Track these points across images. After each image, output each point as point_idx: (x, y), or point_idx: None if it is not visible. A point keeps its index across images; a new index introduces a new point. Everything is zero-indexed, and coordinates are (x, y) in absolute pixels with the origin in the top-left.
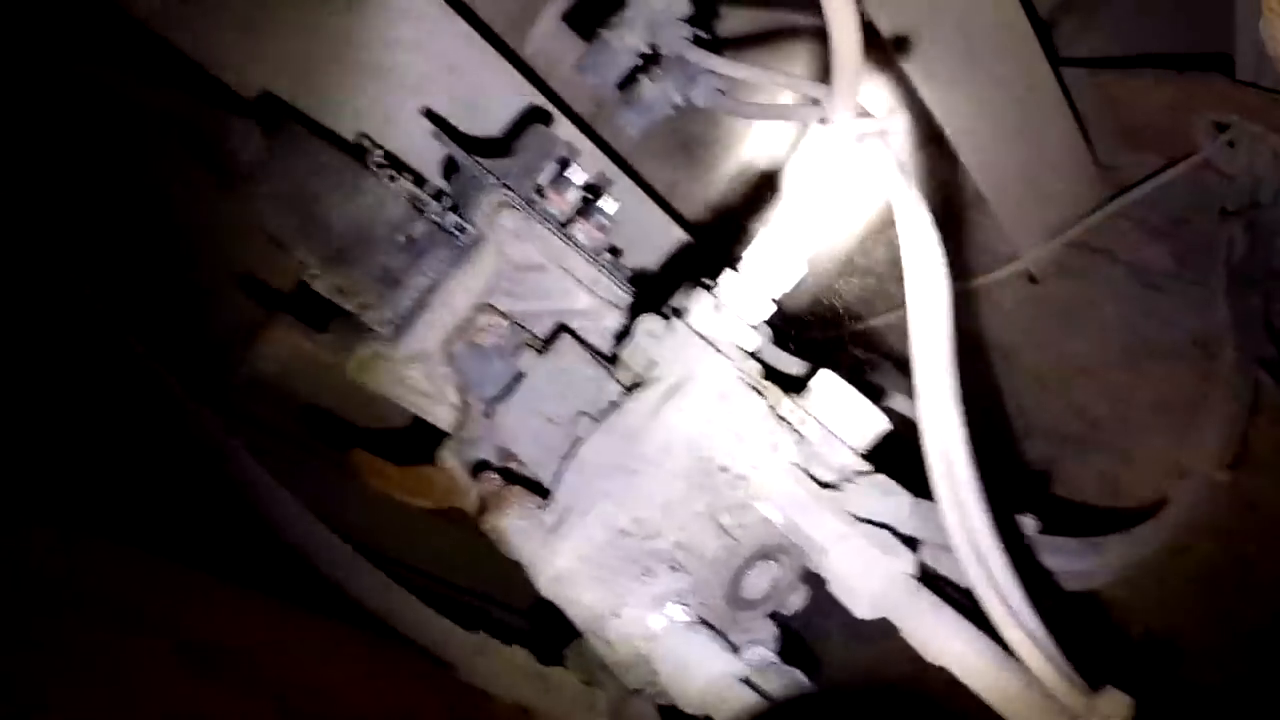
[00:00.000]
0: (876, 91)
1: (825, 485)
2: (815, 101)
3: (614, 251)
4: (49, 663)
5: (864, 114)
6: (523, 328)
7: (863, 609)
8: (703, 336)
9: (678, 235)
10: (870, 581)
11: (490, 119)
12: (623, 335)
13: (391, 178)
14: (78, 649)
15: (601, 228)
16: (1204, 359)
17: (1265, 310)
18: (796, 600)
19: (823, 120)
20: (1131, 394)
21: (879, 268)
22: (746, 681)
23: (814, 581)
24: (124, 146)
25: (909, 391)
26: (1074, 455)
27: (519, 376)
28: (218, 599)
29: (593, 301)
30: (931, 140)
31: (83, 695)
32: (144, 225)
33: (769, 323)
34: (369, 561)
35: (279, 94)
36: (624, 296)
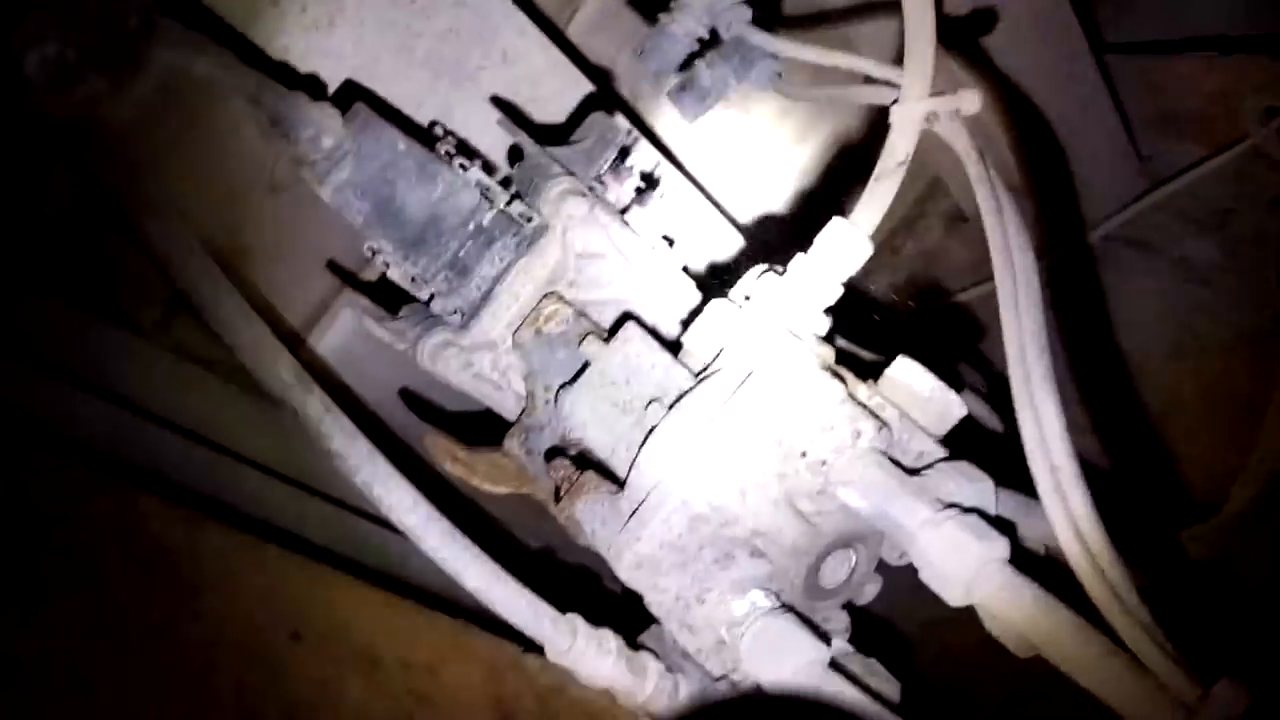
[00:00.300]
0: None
1: (909, 470)
2: (885, 83)
3: (669, 241)
4: None
5: (937, 93)
6: (587, 317)
7: (957, 596)
8: (774, 320)
9: (727, 228)
10: (964, 567)
11: (549, 107)
12: (687, 323)
13: (463, 166)
14: None
15: (658, 217)
16: (1255, 356)
17: None
18: (871, 590)
19: (895, 101)
20: (1179, 390)
21: (932, 251)
22: (836, 667)
23: (886, 571)
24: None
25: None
26: (1119, 455)
27: (585, 364)
28: (304, 573)
29: (654, 291)
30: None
31: None
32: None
33: (837, 309)
34: (469, 537)
35: (357, 82)
36: (683, 286)
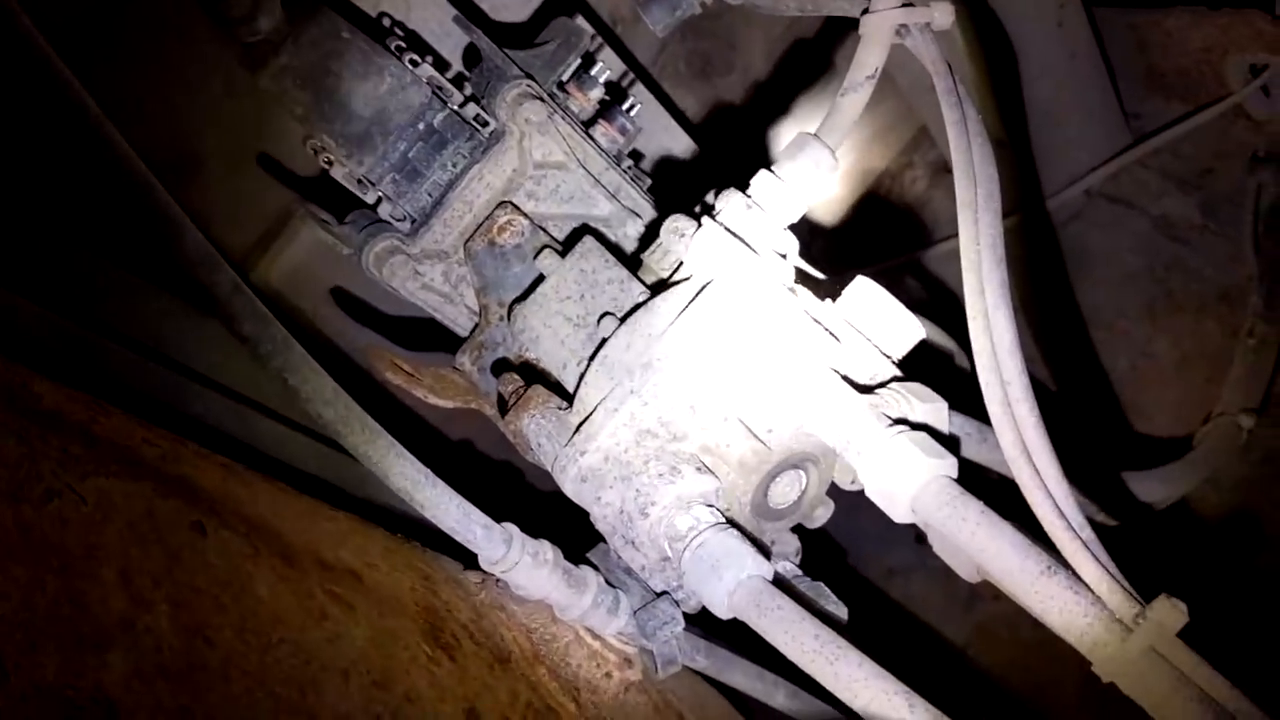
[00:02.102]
0: None
1: (862, 389)
2: None
3: (635, 157)
4: None
5: (907, 3)
6: (544, 230)
7: (901, 512)
8: (734, 234)
9: (694, 149)
10: (910, 484)
11: (513, 6)
12: (645, 241)
13: (414, 62)
14: None
15: (623, 131)
16: (1229, 314)
17: None
18: (823, 514)
19: (865, 11)
20: (1151, 347)
21: (918, 200)
22: (778, 584)
23: (839, 496)
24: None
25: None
26: (1089, 407)
27: (540, 278)
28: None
29: (613, 207)
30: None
31: None
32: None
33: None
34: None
35: None
36: (644, 204)
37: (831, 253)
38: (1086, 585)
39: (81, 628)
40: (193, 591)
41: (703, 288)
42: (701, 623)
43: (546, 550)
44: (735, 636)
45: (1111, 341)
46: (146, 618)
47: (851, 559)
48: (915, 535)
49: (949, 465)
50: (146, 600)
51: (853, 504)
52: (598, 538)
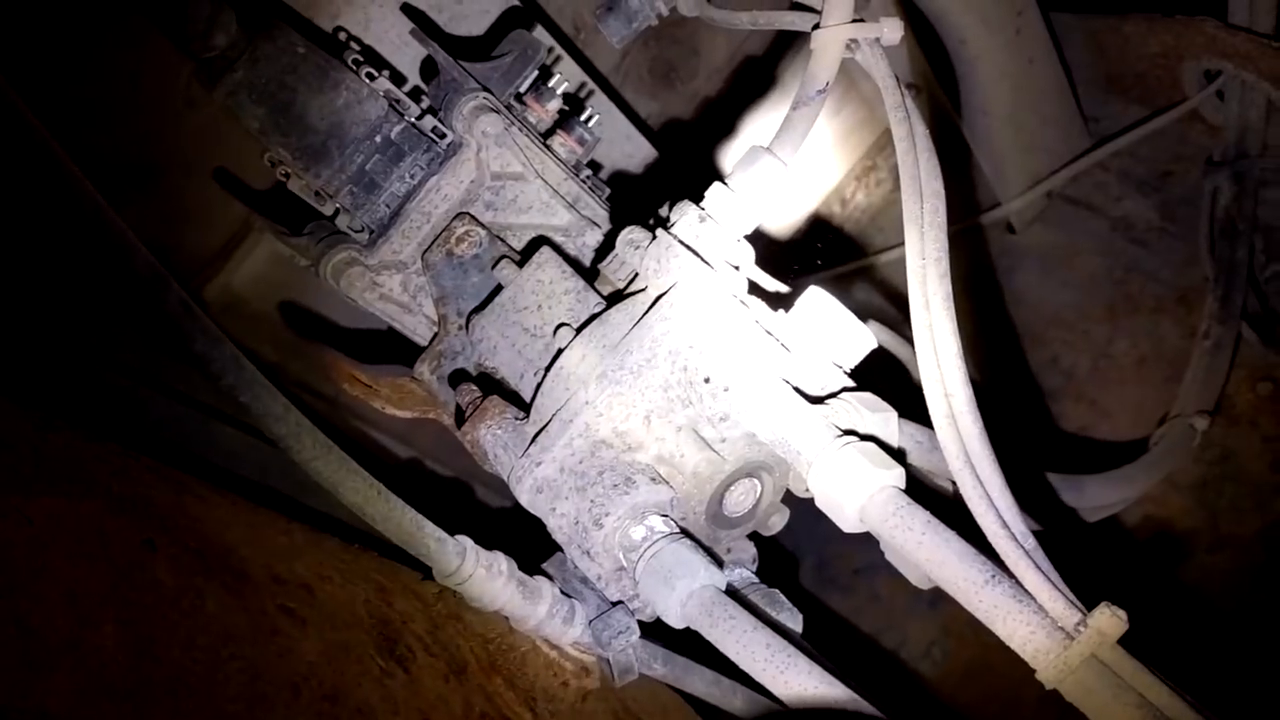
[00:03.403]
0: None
1: (812, 399)
2: (809, 9)
3: (593, 167)
4: None
5: (858, 20)
6: (502, 240)
7: (850, 523)
8: (688, 247)
9: (655, 156)
10: (858, 495)
11: (470, 20)
12: (603, 251)
13: (370, 75)
14: None
15: (581, 142)
16: (1186, 316)
17: (1249, 262)
18: (778, 521)
19: (816, 26)
20: (1110, 348)
21: (861, 210)
22: (731, 593)
23: (795, 504)
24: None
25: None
26: (1051, 407)
27: (498, 288)
28: (188, 489)
29: (571, 217)
30: (912, 83)
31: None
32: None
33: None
34: (354, 460)
35: None
36: (602, 214)
37: (795, 256)
38: (1029, 594)
39: (28, 648)
40: (141, 609)
41: (657, 299)
42: (658, 631)
43: (501, 562)
44: (692, 645)
45: (1073, 341)
46: (93, 637)
47: (817, 559)
48: None
49: (896, 476)
50: (93, 620)
51: (814, 505)
52: (553, 549)
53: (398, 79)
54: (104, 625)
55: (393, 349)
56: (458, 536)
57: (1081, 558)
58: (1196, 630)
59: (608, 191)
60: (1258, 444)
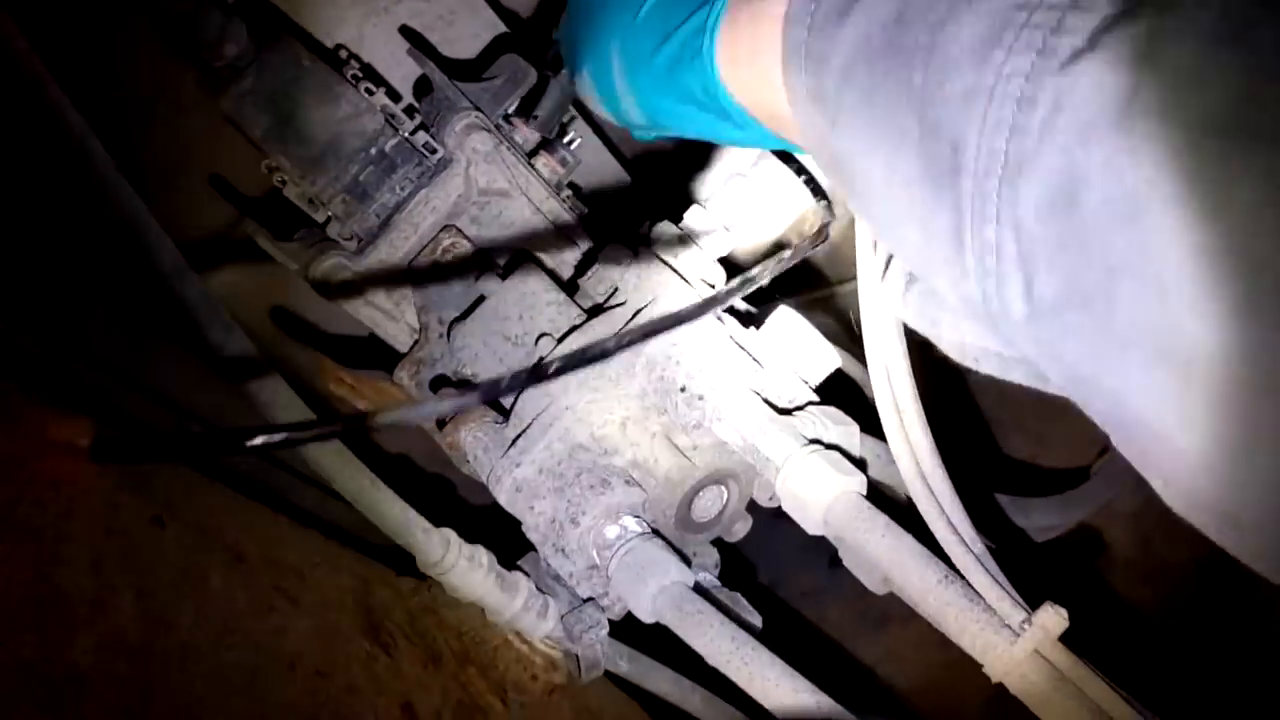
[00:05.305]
0: None
1: (781, 411)
2: None
3: (573, 188)
4: None
5: None
6: (485, 253)
7: (814, 525)
8: (667, 264)
9: (629, 181)
10: (823, 498)
11: (461, 44)
12: (582, 267)
13: (369, 91)
14: None
15: (563, 163)
16: None
17: None
18: (741, 528)
19: None
20: None
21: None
22: (699, 591)
23: (758, 522)
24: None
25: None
26: (995, 437)
27: (480, 299)
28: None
29: (554, 234)
30: None
31: None
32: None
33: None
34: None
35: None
36: (583, 233)
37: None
38: (979, 594)
39: (58, 608)
40: (154, 580)
41: (636, 313)
42: (622, 633)
43: (481, 555)
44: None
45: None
46: (114, 600)
47: (768, 581)
48: (829, 559)
49: (858, 482)
50: (114, 585)
51: (770, 529)
52: (527, 549)
53: (393, 95)
54: (124, 592)
55: (373, 355)
56: (442, 529)
57: (1029, 572)
58: (1127, 646)
59: (586, 211)
60: None
